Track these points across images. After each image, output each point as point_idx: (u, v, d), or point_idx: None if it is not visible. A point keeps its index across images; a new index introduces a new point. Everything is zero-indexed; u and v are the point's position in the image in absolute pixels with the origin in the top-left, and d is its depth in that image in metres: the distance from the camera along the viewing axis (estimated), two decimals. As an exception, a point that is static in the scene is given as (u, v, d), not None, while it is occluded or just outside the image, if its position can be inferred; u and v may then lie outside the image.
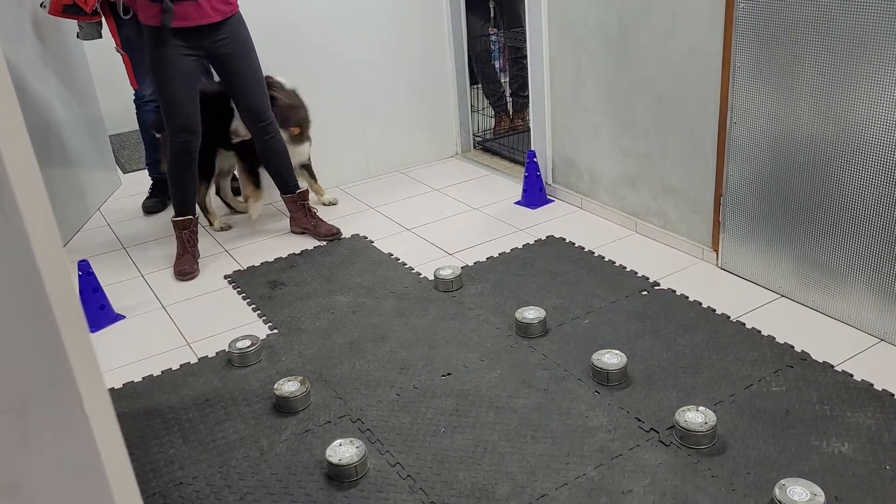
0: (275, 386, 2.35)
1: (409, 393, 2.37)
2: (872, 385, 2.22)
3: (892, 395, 2.18)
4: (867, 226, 2.40)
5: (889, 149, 2.27)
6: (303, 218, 3.58)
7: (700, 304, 2.72)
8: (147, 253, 3.53)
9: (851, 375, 2.27)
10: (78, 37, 3.75)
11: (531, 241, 3.32)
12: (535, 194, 3.70)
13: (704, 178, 2.94)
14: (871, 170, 2.33)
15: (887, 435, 2.03)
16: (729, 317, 2.62)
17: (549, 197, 3.75)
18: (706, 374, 2.33)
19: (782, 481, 1.83)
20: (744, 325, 2.57)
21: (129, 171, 4.70)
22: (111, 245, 3.65)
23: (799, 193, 2.58)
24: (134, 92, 3.89)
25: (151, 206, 4.01)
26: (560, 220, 3.53)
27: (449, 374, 2.44)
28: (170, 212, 3.44)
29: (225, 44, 3.14)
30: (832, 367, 2.32)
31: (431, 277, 3.03)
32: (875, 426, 2.06)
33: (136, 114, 3.96)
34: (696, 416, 2.07)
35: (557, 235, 3.35)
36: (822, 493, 1.79)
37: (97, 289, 2.90)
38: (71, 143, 3.86)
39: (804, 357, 2.38)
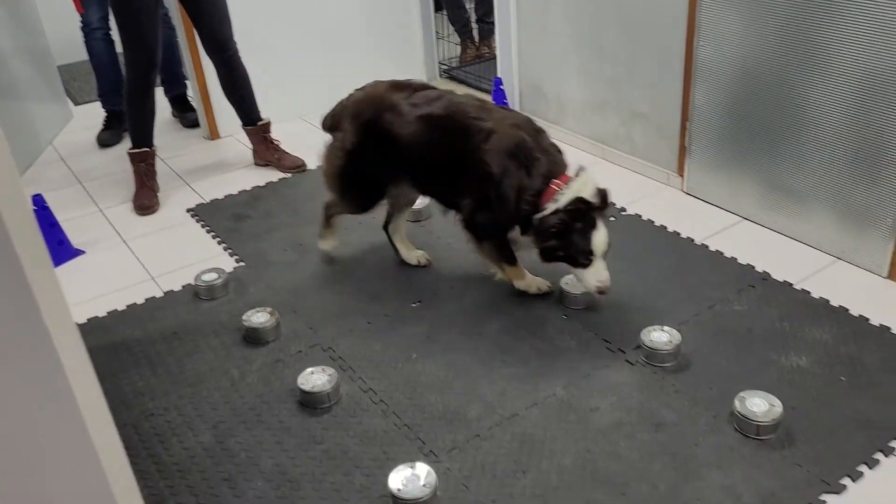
0: (244, 317, 2.34)
1: (380, 321, 2.37)
2: (829, 301, 2.29)
3: (848, 310, 2.25)
4: (829, 148, 2.42)
5: (854, 71, 2.27)
6: (266, 150, 3.50)
7: (666, 228, 2.75)
8: (104, 187, 3.44)
9: (809, 293, 2.34)
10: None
11: (498, 170, 3.30)
12: (501, 122, 3.66)
13: (671, 103, 2.93)
14: (835, 92, 2.35)
15: (843, 348, 2.10)
16: (693, 240, 2.66)
17: (515, 125, 3.71)
18: (671, 296, 2.38)
19: (742, 393, 1.89)
20: (708, 247, 2.62)
21: (81, 104, 4.53)
22: (66, 180, 3.55)
23: (763, 117, 2.59)
24: (80, 20, 3.71)
25: (107, 139, 3.88)
26: (526, 148, 3.50)
27: (420, 301, 2.45)
28: (127, 144, 3.33)
29: None
30: (791, 285, 2.38)
31: (399, 207, 3.01)
32: (831, 340, 2.13)
33: (85, 42, 3.79)
34: (660, 336, 2.12)
35: (524, 163, 3.33)
36: (780, 404, 1.85)
37: (53, 223, 2.82)
38: (17, 74, 3.69)
39: (765, 277, 2.43)
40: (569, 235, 2.11)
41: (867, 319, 2.21)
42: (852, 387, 1.97)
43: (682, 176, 2.99)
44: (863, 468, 1.75)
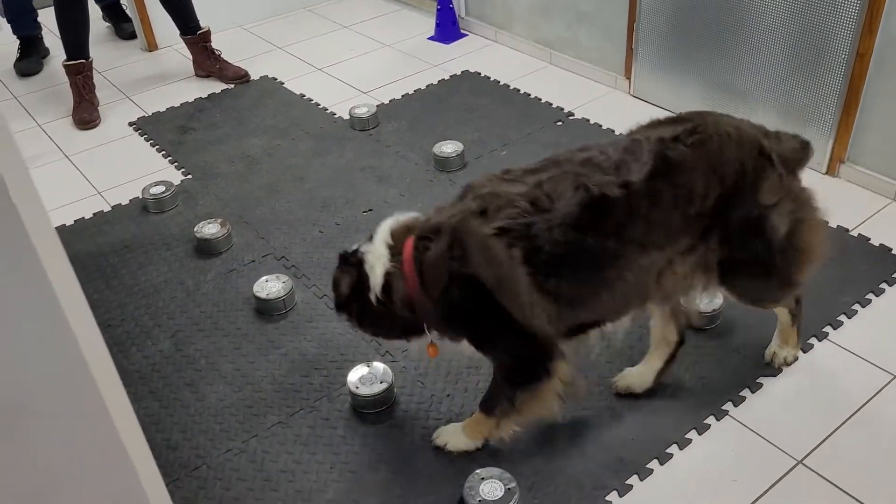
0: (195, 229, 2.34)
1: (331, 230, 2.39)
2: (767, 198, 2.38)
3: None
4: (771, 47, 2.47)
5: (794, -34, 2.30)
6: (206, 61, 3.40)
7: (613, 131, 2.79)
8: (42, 102, 3.31)
9: (749, 191, 2.42)
10: None
11: (446, 77, 3.28)
12: (448, 28, 3.61)
13: (618, 4, 2.91)
14: (776, -11, 2.37)
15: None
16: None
17: (462, 31, 3.66)
18: (617, 197, 2.44)
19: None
20: (652, 149, 2.67)
21: None
22: (-1, 95, 3.41)
23: (708, 17, 2.61)
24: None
25: (25, 67, 3.55)
26: (475, 54, 3.47)
27: (370, 209, 2.47)
28: (48, 70, 3.12)
29: None
30: (732, 184, 2.46)
31: (347, 117, 2.98)
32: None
33: None
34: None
35: (472, 70, 3.31)
36: (719, 302, 1.95)
37: (-9, 140, 2.73)
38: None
39: (707, 176, 2.50)
40: None
41: (801, 214, 2.31)
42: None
43: (629, 79, 3.01)
44: (791, 350, 1.88)
